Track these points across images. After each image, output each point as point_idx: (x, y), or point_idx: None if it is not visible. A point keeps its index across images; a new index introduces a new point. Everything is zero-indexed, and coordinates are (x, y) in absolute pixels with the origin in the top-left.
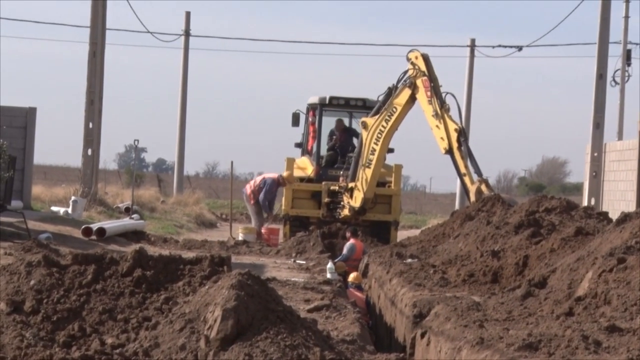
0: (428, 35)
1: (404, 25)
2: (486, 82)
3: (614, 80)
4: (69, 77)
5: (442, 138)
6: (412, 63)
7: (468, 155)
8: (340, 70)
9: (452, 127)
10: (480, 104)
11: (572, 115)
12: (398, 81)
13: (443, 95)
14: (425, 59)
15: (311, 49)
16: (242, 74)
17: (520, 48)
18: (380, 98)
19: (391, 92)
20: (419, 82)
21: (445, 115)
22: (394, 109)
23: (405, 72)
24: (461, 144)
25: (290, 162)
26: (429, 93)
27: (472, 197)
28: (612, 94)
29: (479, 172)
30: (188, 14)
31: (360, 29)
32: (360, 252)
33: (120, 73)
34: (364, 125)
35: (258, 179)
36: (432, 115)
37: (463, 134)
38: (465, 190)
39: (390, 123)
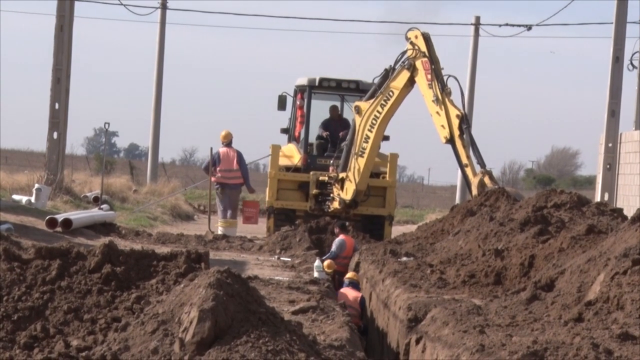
0: (428, 12)
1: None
2: (491, 64)
3: (631, 63)
4: (33, 52)
5: (442, 126)
6: (412, 43)
7: (471, 144)
8: (332, 49)
9: (453, 112)
10: (484, 88)
11: (585, 101)
12: (396, 62)
13: (445, 78)
14: (426, 38)
15: (300, 25)
16: (224, 52)
17: (529, 27)
18: (376, 81)
19: (388, 75)
20: (418, 63)
21: (447, 100)
22: (391, 93)
23: (404, 52)
24: (463, 131)
25: (276, 149)
26: (429, 76)
27: (474, 190)
28: (629, 79)
29: (482, 162)
30: None
31: (354, 3)
32: (351, 249)
33: (90, 49)
34: (358, 110)
35: (232, 162)
36: (433, 101)
37: (465, 120)
38: (466, 182)
39: (386, 108)
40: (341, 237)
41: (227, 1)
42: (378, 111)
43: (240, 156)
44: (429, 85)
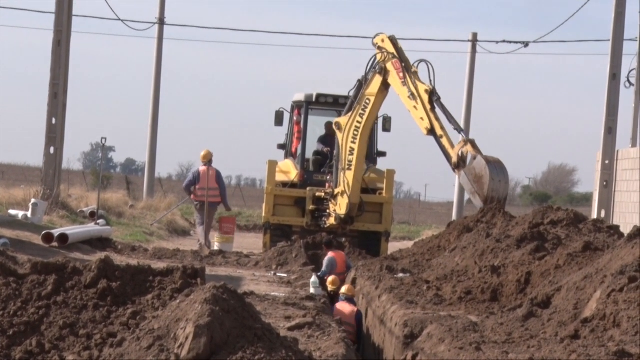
0: (425, 29)
1: (399, 17)
2: (489, 81)
3: (628, 80)
4: (31, 67)
5: (421, 118)
6: (379, 47)
7: (446, 115)
8: (329, 64)
9: (422, 88)
10: (481, 104)
11: (582, 118)
12: (367, 71)
13: (416, 63)
14: (393, 40)
15: (297, 42)
16: (222, 68)
17: (526, 44)
18: (351, 93)
19: (362, 85)
20: (389, 65)
21: (415, 79)
22: (368, 101)
23: (373, 59)
24: (434, 105)
25: (272, 165)
26: (401, 74)
27: (454, 158)
28: (626, 96)
29: (459, 128)
30: (163, 1)
31: (352, 20)
32: (343, 264)
33: (88, 64)
34: (338, 127)
35: (211, 180)
36: (408, 97)
37: (435, 93)
38: (444, 154)
39: (365, 117)
40: (330, 254)
41: (224, 17)
42: (358, 121)
43: (219, 175)
44: (403, 83)
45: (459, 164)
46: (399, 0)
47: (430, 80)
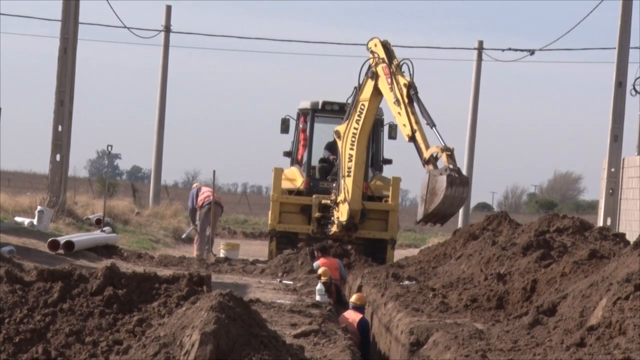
0: (431, 36)
1: (405, 25)
2: (494, 89)
3: (634, 88)
4: (37, 75)
5: (404, 125)
6: (372, 52)
7: (420, 109)
8: (335, 72)
9: (402, 82)
10: (487, 112)
11: (587, 126)
12: (362, 76)
13: (401, 62)
14: (384, 45)
15: (304, 49)
16: (228, 75)
17: (532, 52)
18: (349, 101)
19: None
20: (379, 69)
21: (397, 73)
22: (362, 107)
23: (367, 64)
24: (412, 99)
25: (278, 172)
26: (389, 80)
27: (425, 155)
28: (632, 104)
29: (431, 122)
30: (169, 8)
31: (358, 28)
32: (332, 271)
33: (94, 71)
34: (338, 135)
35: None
36: (394, 103)
37: (413, 87)
38: (417, 149)
39: (361, 123)
40: (318, 261)
41: (230, 24)
42: (355, 128)
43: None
44: (390, 89)
45: (429, 161)
46: (404, 7)
47: (411, 75)
